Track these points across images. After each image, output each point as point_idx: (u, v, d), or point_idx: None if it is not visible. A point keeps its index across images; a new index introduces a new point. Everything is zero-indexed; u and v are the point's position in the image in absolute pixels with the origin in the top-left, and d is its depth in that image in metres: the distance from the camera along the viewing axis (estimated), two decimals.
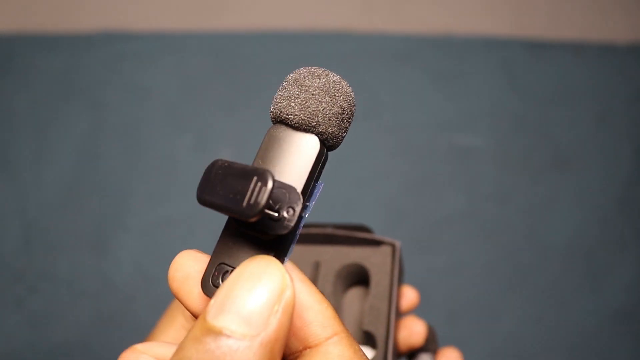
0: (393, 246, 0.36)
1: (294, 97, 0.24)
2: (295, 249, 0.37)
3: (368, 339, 0.35)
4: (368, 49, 1.18)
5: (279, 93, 0.25)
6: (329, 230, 0.36)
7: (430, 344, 0.39)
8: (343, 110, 0.25)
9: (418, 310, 1.12)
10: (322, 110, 0.24)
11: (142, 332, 1.15)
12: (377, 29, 1.19)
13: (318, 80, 0.24)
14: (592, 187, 1.13)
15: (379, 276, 0.35)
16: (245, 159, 1.02)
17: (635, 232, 1.11)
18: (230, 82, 1.15)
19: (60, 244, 1.08)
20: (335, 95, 0.25)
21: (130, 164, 1.11)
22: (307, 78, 0.24)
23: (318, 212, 1.19)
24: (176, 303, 0.36)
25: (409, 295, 0.37)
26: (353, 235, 0.36)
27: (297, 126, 0.24)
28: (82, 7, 1.17)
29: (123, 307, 1.07)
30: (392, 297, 0.34)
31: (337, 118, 0.25)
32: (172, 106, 1.14)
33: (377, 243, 0.36)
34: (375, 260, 0.36)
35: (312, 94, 0.24)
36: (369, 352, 0.34)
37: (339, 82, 0.26)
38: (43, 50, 1.14)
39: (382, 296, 0.34)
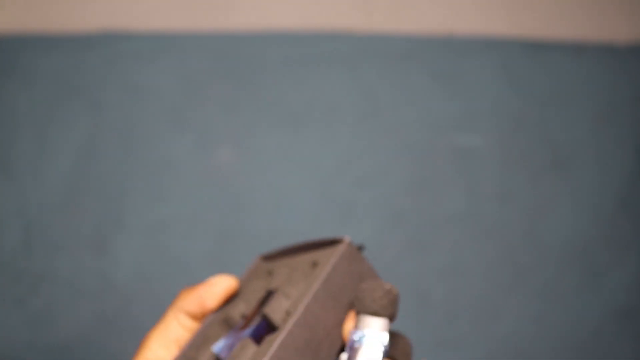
0: (342, 241, 0.36)
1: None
2: (283, 261, 0.41)
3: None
4: (368, 49, 1.17)
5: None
6: (310, 240, 0.39)
7: (401, 358, 0.35)
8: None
9: (419, 311, 1.12)
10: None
11: (142, 332, 1.15)
12: (378, 29, 1.19)
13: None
14: (592, 187, 1.13)
15: (319, 268, 0.35)
16: (245, 160, 1.03)
17: (636, 231, 1.11)
18: (231, 82, 1.15)
19: (60, 243, 1.07)
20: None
21: (130, 164, 1.11)
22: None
23: (318, 212, 1.20)
24: (168, 310, 0.39)
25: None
26: (313, 241, 0.39)
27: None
28: (82, 6, 1.17)
29: (123, 307, 1.07)
30: (314, 289, 0.33)
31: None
32: (173, 106, 1.13)
33: (334, 242, 0.37)
34: (324, 254, 0.37)
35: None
36: None
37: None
38: (42, 50, 1.14)
39: (306, 287, 0.34)
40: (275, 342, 0.31)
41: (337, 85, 1.15)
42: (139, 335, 1.18)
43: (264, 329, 0.35)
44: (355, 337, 0.31)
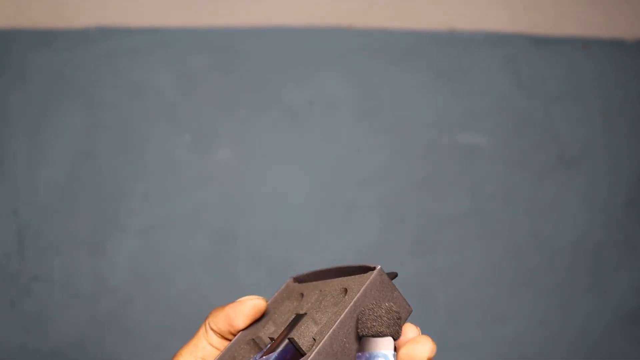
0: (373, 269, 0.37)
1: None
2: (316, 283, 0.42)
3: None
4: (369, 45, 1.15)
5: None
6: (345, 265, 0.40)
7: (393, 329, 0.35)
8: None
9: (423, 312, 1.10)
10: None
11: (138, 334, 1.14)
12: (379, 24, 1.17)
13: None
14: (599, 186, 1.11)
15: (351, 293, 0.36)
16: (244, 159, 1.00)
17: None
18: (230, 79, 1.13)
19: (54, 244, 1.06)
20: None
21: (126, 163, 1.09)
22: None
23: (319, 212, 1.18)
24: (200, 326, 0.40)
25: (407, 333, 0.35)
26: (346, 266, 0.39)
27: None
28: (77, 2, 1.15)
29: (119, 308, 1.05)
30: (343, 313, 0.33)
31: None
32: (170, 104, 1.11)
33: (365, 269, 0.37)
34: (354, 282, 0.37)
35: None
36: None
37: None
38: (37, 47, 1.12)
39: (340, 310, 0.35)
40: None
41: (338, 82, 1.13)
42: (134, 336, 1.17)
43: (290, 354, 0.35)
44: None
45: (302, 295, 0.41)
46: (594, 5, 1.20)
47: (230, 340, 0.39)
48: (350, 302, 0.33)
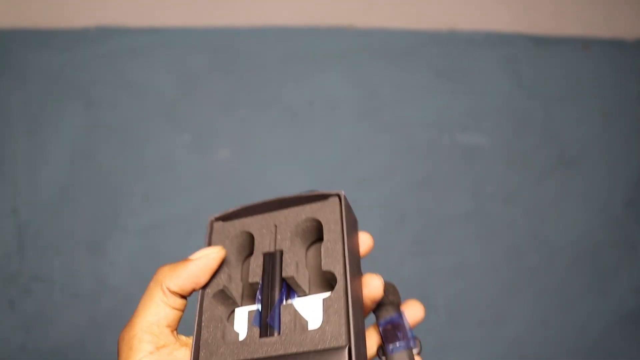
0: (339, 196, 0.40)
1: None
2: (255, 218, 0.42)
3: (328, 282, 0.39)
4: (370, 45, 1.15)
5: None
6: (281, 197, 0.41)
7: (392, 297, 0.42)
8: None
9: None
10: None
11: None
12: (379, 24, 1.17)
13: None
14: (599, 186, 1.11)
15: (330, 224, 0.39)
16: (244, 158, 1.00)
17: None
18: (230, 79, 1.13)
19: (54, 244, 1.06)
20: None
21: (126, 163, 1.09)
22: None
23: None
24: (154, 281, 0.37)
25: (364, 239, 0.40)
26: (303, 194, 0.40)
27: None
28: (77, 2, 1.15)
29: (118, 309, 1.05)
30: (345, 237, 0.38)
31: None
32: (169, 104, 1.11)
33: (324, 197, 0.40)
34: (325, 211, 0.39)
35: None
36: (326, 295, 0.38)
37: None
38: (36, 47, 1.12)
39: (336, 239, 0.38)
40: (345, 300, 0.35)
41: (338, 82, 1.13)
42: None
43: (288, 293, 0.38)
44: (393, 319, 0.39)
45: (248, 234, 0.41)
46: (594, 5, 1.20)
47: (186, 298, 0.37)
48: (343, 231, 0.38)
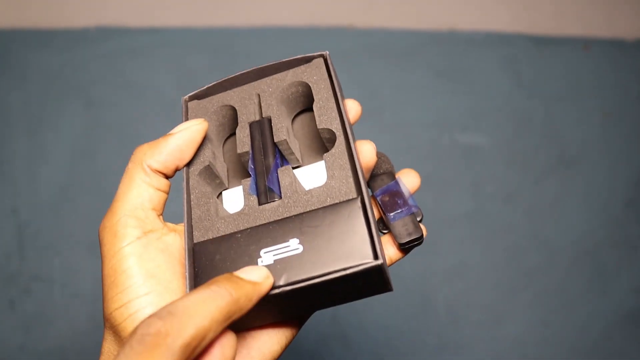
0: (323, 56, 0.36)
1: None
2: (235, 91, 0.38)
3: (322, 149, 0.36)
4: (370, 45, 1.15)
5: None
6: (260, 66, 0.38)
7: (386, 166, 0.40)
8: None
9: (422, 313, 1.10)
10: None
11: None
12: (379, 24, 1.17)
13: None
14: (600, 186, 1.11)
15: (319, 85, 0.36)
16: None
17: None
18: None
19: (54, 244, 1.06)
20: None
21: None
22: None
23: None
24: (133, 161, 0.33)
25: (351, 105, 0.36)
26: (283, 60, 0.37)
27: None
28: (77, 2, 1.15)
29: None
30: (338, 95, 0.35)
31: None
32: (169, 103, 1.11)
33: (307, 60, 0.37)
34: (310, 73, 0.36)
35: None
36: (320, 166, 0.35)
37: None
38: (36, 46, 1.12)
39: (328, 97, 0.35)
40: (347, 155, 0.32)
41: None
42: None
43: (282, 162, 0.35)
44: (390, 187, 0.37)
45: (229, 107, 0.38)
46: (594, 5, 1.20)
47: (169, 179, 0.34)
48: (335, 89, 0.35)
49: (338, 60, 1.14)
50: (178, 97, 1.12)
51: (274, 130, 0.35)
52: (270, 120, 0.35)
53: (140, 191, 0.32)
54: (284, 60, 0.37)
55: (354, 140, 0.33)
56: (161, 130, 1.10)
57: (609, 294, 1.06)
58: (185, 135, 0.33)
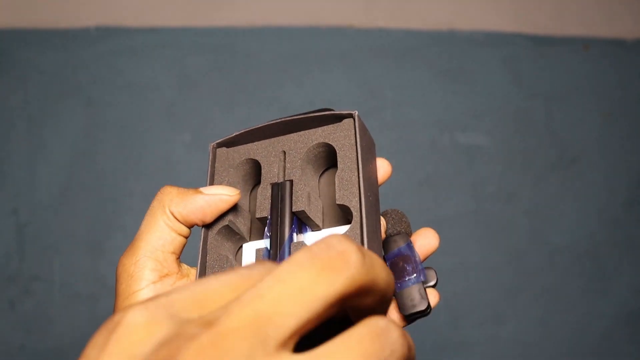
0: (352, 117, 0.35)
1: None
2: (261, 144, 0.38)
3: (344, 216, 0.35)
4: (369, 45, 1.15)
5: None
6: (288, 117, 0.37)
7: (400, 227, 0.38)
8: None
9: None
10: None
11: None
12: (379, 24, 1.17)
13: None
14: (599, 186, 1.11)
15: (345, 150, 0.35)
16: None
17: None
18: (229, 78, 1.12)
19: (54, 245, 1.05)
20: None
21: (126, 163, 1.09)
22: None
23: None
24: (158, 201, 0.33)
25: (381, 164, 0.36)
26: (311, 115, 0.36)
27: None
28: (77, 2, 1.15)
29: None
30: (360, 167, 0.34)
31: None
32: (169, 103, 1.11)
33: (337, 117, 0.35)
34: (338, 135, 0.35)
35: None
36: (344, 229, 0.35)
37: None
38: (37, 46, 1.12)
39: (351, 168, 0.34)
40: (361, 230, 0.31)
41: (337, 82, 1.13)
42: None
43: (300, 227, 0.34)
44: (400, 251, 0.35)
45: (254, 161, 0.37)
46: (594, 5, 1.20)
47: (190, 228, 0.34)
48: (358, 159, 0.34)
49: (338, 60, 1.14)
50: (178, 97, 1.12)
51: (294, 197, 0.34)
52: (292, 185, 0.35)
53: (162, 234, 0.32)
54: (313, 114, 0.36)
55: (376, 212, 0.33)
56: (161, 129, 1.10)
57: (609, 294, 1.06)
58: (213, 201, 0.33)
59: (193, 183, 1.09)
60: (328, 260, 0.18)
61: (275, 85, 1.12)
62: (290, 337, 0.17)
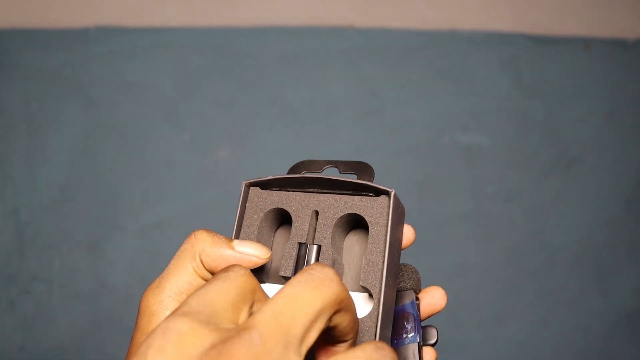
0: (388, 195, 0.36)
1: None
2: (296, 196, 0.39)
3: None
4: (370, 45, 1.15)
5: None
6: (325, 176, 0.38)
7: (407, 283, 0.39)
8: None
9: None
10: None
11: None
12: (379, 24, 1.17)
13: None
14: (600, 186, 1.11)
15: (378, 228, 0.36)
16: (243, 159, 0.99)
17: None
18: (229, 78, 1.12)
19: (53, 245, 1.05)
20: None
21: (126, 163, 1.09)
22: None
23: None
24: (190, 245, 0.34)
25: (406, 232, 0.38)
26: (351, 179, 0.37)
27: None
28: (77, 2, 1.15)
29: (118, 309, 1.05)
30: (386, 253, 0.35)
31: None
32: (169, 103, 1.11)
33: (376, 191, 0.36)
34: (374, 212, 0.36)
35: None
36: (368, 300, 0.36)
37: None
38: (36, 47, 1.12)
39: (379, 251, 0.35)
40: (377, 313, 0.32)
41: (338, 82, 1.13)
42: None
43: None
44: (403, 308, 0.36)
45: (285, 211, 0.38)
46: (594, 5, 1.20)
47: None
48: (386, 243, 0.35)
49: (338, 60, 1.14)
50: (178, 97, 1.12)
51: (320, 261, 0.35)
52: (319, 250, 0.36)
53: (189, 278, 0.33)
54: (353, 179, 0.36)
55: (394, 285, 0.34)
56: (161, 129, 1.10)
57: (609, 294, 1.06)
58: (243, 260, 0.34)
59: (193, 183, 1.09)
60: (319, 280, 0.25)
61: (275, 85, 1.12)
62: (302, 341, 0.23)
